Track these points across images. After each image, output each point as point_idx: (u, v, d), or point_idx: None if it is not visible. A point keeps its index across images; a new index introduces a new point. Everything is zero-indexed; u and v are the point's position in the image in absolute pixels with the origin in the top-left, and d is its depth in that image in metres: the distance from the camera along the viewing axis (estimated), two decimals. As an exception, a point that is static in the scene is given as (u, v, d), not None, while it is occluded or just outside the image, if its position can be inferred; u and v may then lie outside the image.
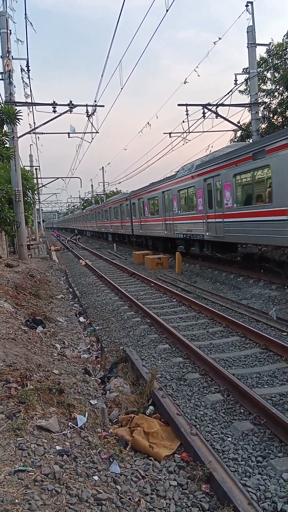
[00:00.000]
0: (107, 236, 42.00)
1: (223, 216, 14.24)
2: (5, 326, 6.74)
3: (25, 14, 15.95)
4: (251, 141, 20.97)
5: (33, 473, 3.02)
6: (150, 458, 4.04)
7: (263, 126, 23.10)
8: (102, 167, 61.69)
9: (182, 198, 18.72)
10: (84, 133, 21.66)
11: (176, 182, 19.12)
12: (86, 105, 19.04)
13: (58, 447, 3.49)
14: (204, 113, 20.09)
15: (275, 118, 23.97)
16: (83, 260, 23.26)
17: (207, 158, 16.81)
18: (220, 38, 19.16)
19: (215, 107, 20.05)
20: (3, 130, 8.90)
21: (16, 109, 9.16)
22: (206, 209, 15.76)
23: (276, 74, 23.10)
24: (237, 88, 20.06)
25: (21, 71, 18.00)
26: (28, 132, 20.45)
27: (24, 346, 6.04)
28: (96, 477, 3.26)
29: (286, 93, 22.72)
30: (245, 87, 22.62)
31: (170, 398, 5.17)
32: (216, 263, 17.13)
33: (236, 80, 19.91)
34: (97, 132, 20.67)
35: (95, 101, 19.33)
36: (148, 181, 25.12)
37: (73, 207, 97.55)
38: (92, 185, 71.89)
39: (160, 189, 21.56)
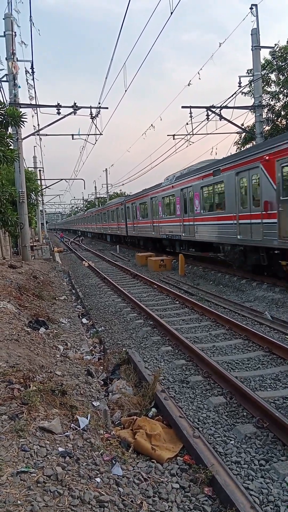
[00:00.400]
0: (106, 237, 44.94)
1: (194, 220, 17.44)
2: (8, 327, 6.75)
3: (30, 16, 16.04)
4: (254, 143, 21.10)
5: (35, 475, 3.02)
6: (153, 460, 4.04)
7: (267, 128, 23.10)
8: (106, 168, 61.79)
9: (165, 204, 21.70)
10: (88, 134, 21.73)
11: (161, 190, 22.08)
12: (90, 107, 19.10)
13: (60, 449, 3.49)
14: (208, 115, 20.09)
15: (279, 120, 23.97)
16: (86, 261, 23.29)
17: (184, 171, 19.99)
18: (225, 40, 19.18)
19: (219, 109, 20.06)
20: (8, 132, 8.91)
21: (20, 111, 9.17)
22: (182, 214, 18.82)
23: (281, 77, 23.11)
24: (241, 91, 20.09)
25: (26, 73, 18.09)
26: (33, 134, 20.54)
27: (27, 347, 6.05)
28: (98, 479, 3.26)
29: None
30: (249, 89, 22.64)
31: (172, 401, 5.16)
32: (220, 265, 17.13)
33: (240, 83, 19.93)
34: (101, 134, 20.73)
35: (99, 103, 19.41)
36: (151, 182, 25.92)
37: (76, 209, 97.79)
38: (95, 187, 72.21)
39: (149, 196, 24.56)
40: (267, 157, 11.42)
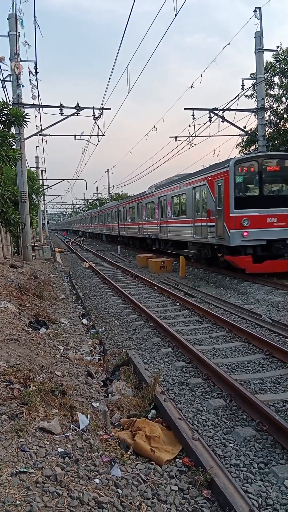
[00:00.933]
0: (102, 236, 48.78)
1: (167, 222, 21.24)
2: (9, 326, 6.76)
3: (34, 17, 16.09)
4: (257, 146, 21.20)
5: (34, 475, 3.02)
6: (152, 462, 4.03)
7: (270, 131, 23.10)
8: (108, 169, 61.92)
9: (148, 209, 25.44)
10: (91, 135, 21.76)
11: (145, 197, 26.08)
12: (93, 108, 19.13)
13: (60, 449, 3.49)
14: (210, 117, 20.12)
15: (281, 123, 23.98)
16: (87, 262, 23.30)
17: (163, 183, 23.61)
18: (228, 43, 19.21)
19: (221, 111, 20.08)
20: (11, 132, 8.93)
21: (23, 111, 9.20)
22: (159, 218, 22.54)
23: (284, 80, 23.13)
24: (243, 93, 20.11)
25: (29, 73, 18.12)
26: (35, 134, 20.55)
27: (28, 347, 6.06)
28: (97, 480, 3.25)
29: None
30: (252, 92, 22.66)
31: (172, 403, 5.16)
32: (221, 267, 17.14)
33: (243, 85, 19.94)
34: (103, 135, 20.76)
35: (102, 104, 19.42)
36: (153, 183, 26.39)
37: (78, 209, 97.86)
38: (97, 188, 72.15)
39: (136, 201, 28.94)
40: (210, 178, 15.19)
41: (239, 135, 23.49)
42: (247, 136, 24.40)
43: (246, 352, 7.30)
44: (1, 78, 16.83)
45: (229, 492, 3.39)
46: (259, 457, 4.12)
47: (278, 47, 22.57)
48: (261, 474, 3.87)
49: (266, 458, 4.09)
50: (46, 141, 30.30)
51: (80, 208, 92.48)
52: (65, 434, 3.80)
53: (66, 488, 2.97)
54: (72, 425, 4.05)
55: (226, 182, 13.80)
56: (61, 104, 18.35)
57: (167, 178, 23.79)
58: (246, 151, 27.23)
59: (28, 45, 25.66)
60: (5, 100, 10.19)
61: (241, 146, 26.42)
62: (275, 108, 23.60)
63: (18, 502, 2.69)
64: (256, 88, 20.87)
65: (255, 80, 20.54)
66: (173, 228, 20.28)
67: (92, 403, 4.87)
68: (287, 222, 13.55)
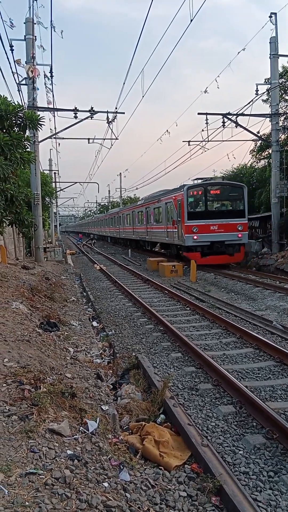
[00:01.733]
0: (107, 238, 54.31)
1: (151, 228, 26.64)
2: (20, 327, 6.80)
3: (51, 21, 16.25)
4: (270, 151, 21.10)
5: (44, 476, 3.03)
6: (160, 467, 4.02)
7: (283, 137, 22.98)
8: (120, 173, 62.14)
9: (139, 217, 30.58)
10: (104, 139, 21.90)
11: (138, 207, 31.68)
12: (107, 112, 19.24)
13: (69, 452, 3.49)
14: (224, 122, 20.09)
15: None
16: (97, 264, 23.36)
17: (149, 196, 29.48)
18: (243, 49, 19.19)
19: (235, 116, 20.03)
20: (26, 135, 9.02)
21: (38, 114, 9.28)
22: (146, 224, 27.85)
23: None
24: (258, 98, 20.05)
25: (44, 77, 18.31)
26: (49, 137, 20.79)
27: (38, 348, 6.09)
28: (106, 484, 3.25)
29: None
30: (267, 97, 22.58)
31: (181, 408, 5.14)
32: (233, 270, 17.12)
33: (257, 90, 19.90)
34: (116, 139, 20.86)
35: (116, 108, 19.54)
36: (165, 187, 27.04)
37: (89, 212, 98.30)
38: (109, 191, 72.50)
39: (131, 210, 34.23)
40: (174, 197, 20.68)
41: (252, 140, 23.42)
42: (260, 142, 24.30)
43: (257, 359, 7.23)
44: (17, 81, 17.07)
45: (238, 500, 3.36)
46: (269, 465, 4.08)
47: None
48: (270, 482, 3.83)
49: (276, 466, 4.05)
50: (59, 144, 30.72)
51: (92, 211, 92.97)
52: (75, 437, 3.81)
53: (75, 491, 2.97)
54: (81, 428, 4.05)
55: (182, 201, 19.21)
56: (76, 108, 18.51)
57: (154, 192, 29.47)
58: (259, 156, 27.11)
59: (43, 48, 25.93)
60: (21, 103, 10.31)
61: (254, 152, 26.31)
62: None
63: (27, 503, 2.70)
64: (270, 93, 20.79)
65: (269, 86, 20.47)
66: (155, 232, 25.79)
67: (102, 406, 4.87)
68: (224, 229, 18.96)
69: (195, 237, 18.67)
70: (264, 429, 4.64)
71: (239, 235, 19.14)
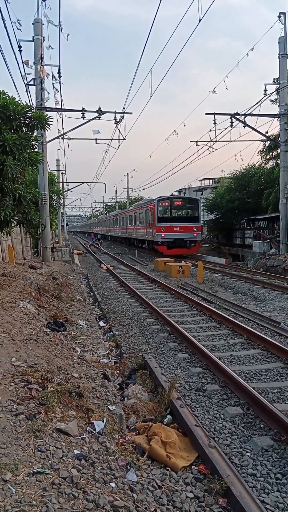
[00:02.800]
0: (108, 237, 60.42)
1: (137, 228, 33.44)
2: (28, 327, 6.82)
3: (59, 22, 16.27)
4: (279, 151, 20.99)
5: (51, 476, 3.04)
6: (167, 468, 4.01)
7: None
8: (127, 173, 62.37)
9: (130, 219, 37.69)
10: (111, 139, 21.91)
11: (129, 212, 39.28)
12: (115, 112, 19.23)
13: (76, 451, 3.50)
14: (232, 122, 20.02)
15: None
16: (104, 264, 23.40)
17: (137, 204, 38.43)
18: (252, 48, 19.12)
19: (243, 116, 19.95)
20: (34, 135, 9.03)
21: (46, 115, 9.29)
22: (134, 225, 35.01)
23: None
24: (266, 98, 19.96)
25: (52, 78, 18.35)
26: (57, 137, 20.80)
27: (46, 348, 6.10)
28: (113, 484, 3.25)
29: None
30: (276, 97, 22.48)
31: (188, 409, 5.13)
32: (240, 271, 17.02)
33: (265, 90, 19.81)
34: (124, 139, 20.86)
35: (124, 108, 19.52)
36: (172, 188, 28.20)
37: (96, 212, 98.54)
38: (116, 191, 72.67)
39: (125, 214, 41.46)
40: (149, 206, 27.74)
41: (260, 140, 23.32)
42: (269, 143, 24.19)
43: (264, 360, 7.19)
44: (26, 82, 17.13)
45: (245, 502, 3.34)
46: (277, 467, 4.05)
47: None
48: (278, 484, 3.80)
49: (284, 468, 4.02)
50: (69, 145, 31.20)
51: (99, 211, 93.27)
52: (82, 436, 3.81)
53: (82, 491, 2.97)
54: (88, 427, 4.05)
55: (154, 210, 26.31)
56: (83, 108, 18.52)
57: (141, 201, 40.11)
58: (268, 157, 27.03)
59: (51, 48, 26.02)
60: (29, 103, 10.37)
61: (263, 153, 26.20)
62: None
63: (34, 502, 2.70)
64: (279, 93, 20.69)
65: (278, 85, 20.36)
66: (139, 232, 32.82)
67: (108, 406, 4.87)
68: (183, 230, 25.53)
69: (163, 235, 25.53)
70: (272, 431, 4.62)
71: (195, 234, 25.97)
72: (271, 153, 27.51)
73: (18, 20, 15.15)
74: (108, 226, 57.54)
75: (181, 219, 26.70)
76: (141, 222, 31.94)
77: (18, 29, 15.65)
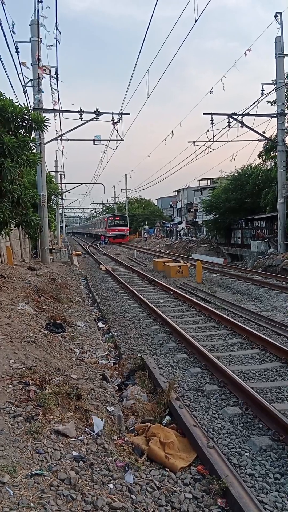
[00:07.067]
0: (98, 237, 73.89)
1: (105, 229, 58.74)
2: (26, 328, 6.82)
3: (56, 23, 16.25)
4: (277, 152, 21.01)
5: (49, 478, 3.03)
6: (166, 469, 4.01)
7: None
8: (125, 174, 62.45)
9: (104, 223, 59.87)
10: (109, 140, 21.94)
11: (107, 218, 59.35)
12: (112, 113, 19.24)
13: (74, 453, 3.50)
14: (229, 122, 20.04)
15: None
16: (103, 265, 23.39)
17: (103, 215, 71.65)
18: (248, 49, 19.14)
19: (240, 116, 19.97)
20: (32, 137, 9.03)
21: (44, 116, 9.29)
22: (103, 228, 60.39)
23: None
24: (263, 98, 19.99)
25: (50, 79, 18.34)
26: (55, 139, 20.82)
27: (44, 349, 6.10)
28: (111, 485, 3.25)
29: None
30: (274, 99, 22.49)
31: (187, 409, 5.13)
32: (239, 271, 17.04)
33: (262, 90, 19.83)
34: (121, 140, 20.87)
35: (121, 109, 19.53)
36: (170, 188, 26.96)
37: (95, 213, 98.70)
38: (114, 192, 72.94)
39: (101, 220, 65.17)
40: (105, 219, 60.46)
41: (258, 140, 23.32)
42: (266, 142, 24.20)
43: (263, 360, 7.20)
44: (23, 84, 17.12)
45: (244, 502, 3.35)
46: (275, 467, 4.06)
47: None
48: (277, 484, 3.81)
49: (283, 468, 4.02)
50: (63, 147, 31.01)
51: (98, 212, 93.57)
52: (80, 438, 3.81)
53: (80, 492, 2.97)
54: (87, 429, 4.06)
55: (106, 221, 58.16)
56: (81, 109, 18.53)
57: (101, 216, 70.71)
58: (267, 157, 27.12)
59: (52, 47, 26.00)
60: (26, 105, 10.30)
61: (262, 155, 26.30)
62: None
63: (32, 504, 2.70)
64: (276, 93, 20.71)
65: (275, 85, 20.39)
66: (103, 231, 57.38)
67: (107, 407, 4.87)
68: (119, 230, 56.29)
69: (110, 233, 55.08)
70: (271, 431, 4.62)
71: (125, 232, 56.93)
72: (269, 154, 27.58)
73: (12, 22, 15.13)
74: (93, 228, 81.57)
75: (118, 225, 56.30)
76: (104, 227, 58.41)
77: (12, 32, 15.59)
